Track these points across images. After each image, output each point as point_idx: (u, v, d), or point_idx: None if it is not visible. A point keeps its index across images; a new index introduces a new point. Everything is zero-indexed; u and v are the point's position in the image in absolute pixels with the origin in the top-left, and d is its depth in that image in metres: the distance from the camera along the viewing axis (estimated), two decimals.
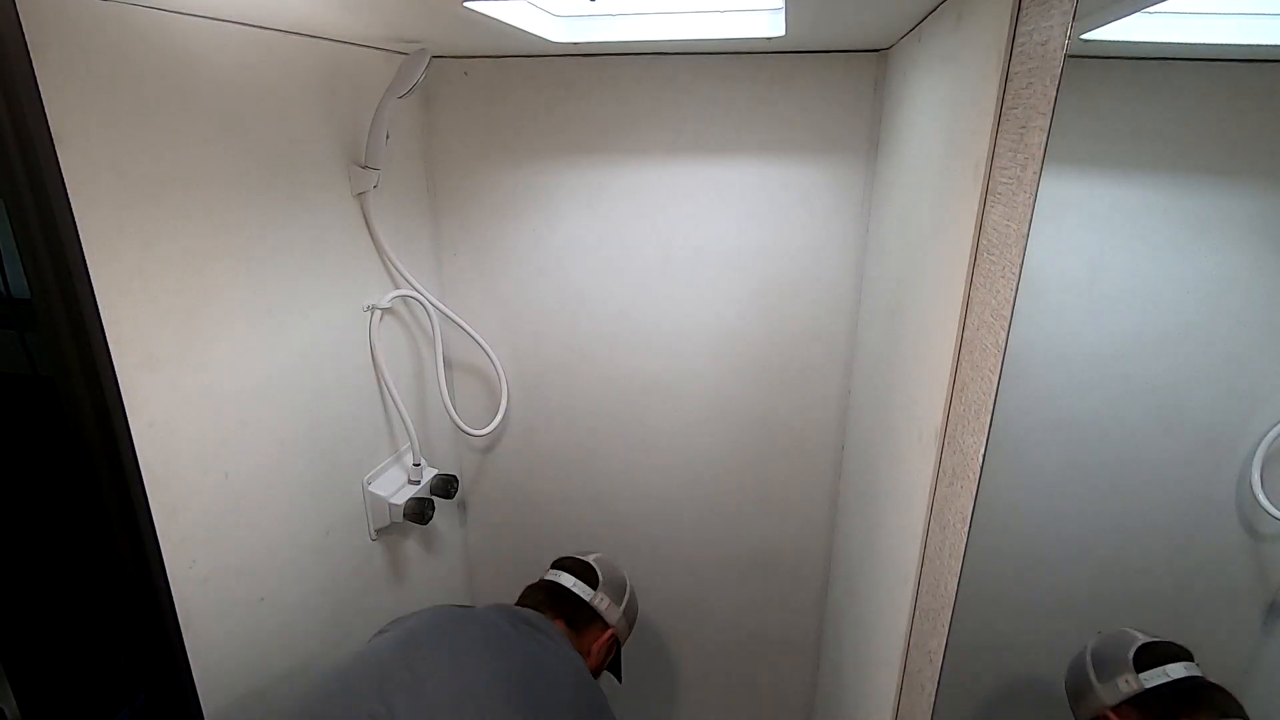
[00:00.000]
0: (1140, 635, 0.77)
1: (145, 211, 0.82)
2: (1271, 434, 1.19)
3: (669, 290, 1.41)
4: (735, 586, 1.64)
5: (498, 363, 1.50)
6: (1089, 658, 0.84)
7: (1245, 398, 1.19)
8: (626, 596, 1.22)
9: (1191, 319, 1.18)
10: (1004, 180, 0.59)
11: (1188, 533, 1.27)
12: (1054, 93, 0.49)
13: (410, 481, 1.37)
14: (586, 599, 1.16)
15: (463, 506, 1.72)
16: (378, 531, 1.32)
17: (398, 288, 1.33)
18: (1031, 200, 0.52)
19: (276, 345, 1.04)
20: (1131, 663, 0.70)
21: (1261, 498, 1.21)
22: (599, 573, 1.21)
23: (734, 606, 1.67)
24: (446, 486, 1.42)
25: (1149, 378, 1.20)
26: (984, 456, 0.61)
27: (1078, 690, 0.82)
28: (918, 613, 0.79)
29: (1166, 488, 1.25)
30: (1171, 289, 1.17)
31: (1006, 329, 0.56)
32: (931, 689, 0.70)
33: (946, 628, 0.67)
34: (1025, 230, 0.54)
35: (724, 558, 1.62)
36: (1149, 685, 0.68)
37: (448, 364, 1.56)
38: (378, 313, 1.26)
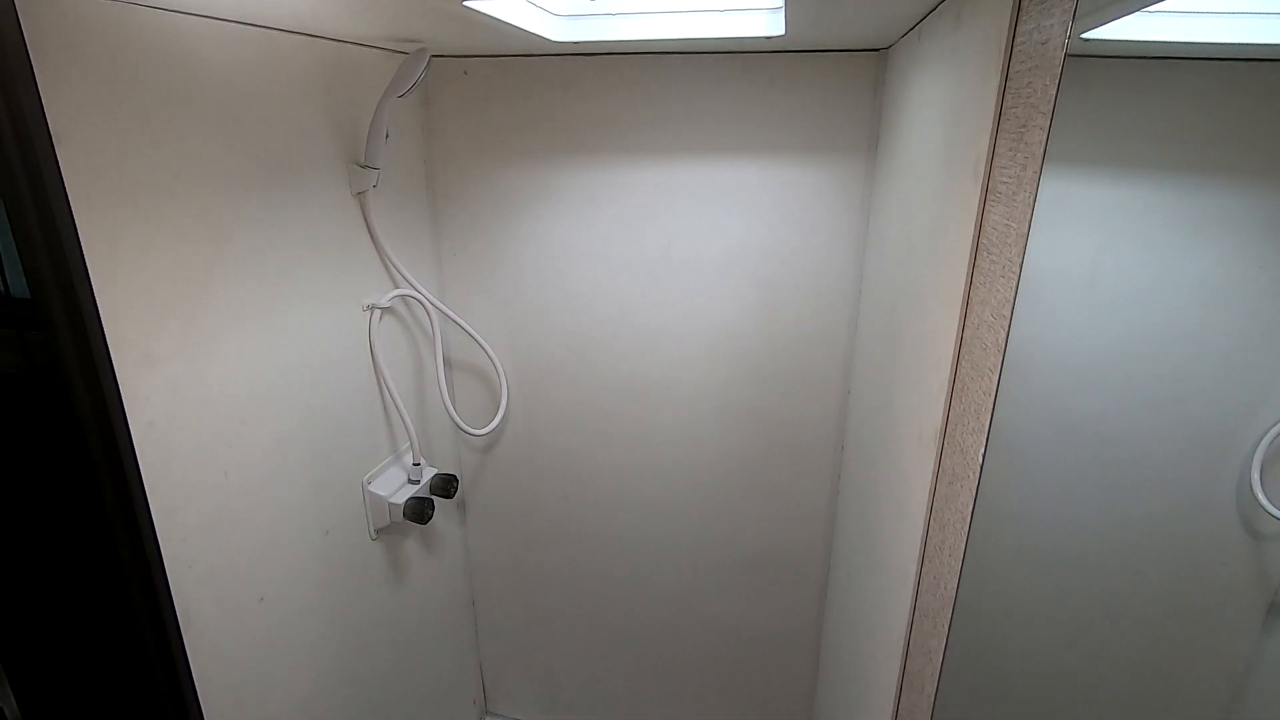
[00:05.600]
0: None
1: (145, 211, 0.82)
2: (1271, 433, 1.19)
3: (669, 290, 1.41)
4: (735, 586, 1.64)
5: (497, 362, 1.50)
6: None
7: (1245, 397, 1.19)
8: None
9: (1191, 318, 1.18)
10: (1004, 180, 0.59)
11: (1187, 532, 1.27)
12: (1054, 92, 0.49)
13: (410, 481, 1.37)
14: None
15: (462, 506, 1.72)
16: (377, 531, 1.32)
17: (397, 287, 1.33)
18: (1031, 199, 0.52)
19: (275, 344, 1.04)
20: None
21: (1261, 497, 1.21)
22: None
23: (734, 606, 1.67)
24: (446, 486, 1.42)
25: (1149, 377, 1.20)
26: (984, 456, 0.61)
27: None
28: (917, 612, 0.79)
29: (1166, 487, 1.25)
30: (1171, 288, 1.17)
31: (1006, 328, 0.56)
32: (931, 689, 0.70)
33: (946, 627, 0.67)
34: (1025, 229, 0.54)
35: (724, 557, 1.62)
36: None
37: (447, 363, 1.56)
38: (377, 312, 1.26)
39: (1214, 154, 1.10)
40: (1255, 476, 1.20)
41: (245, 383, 0.99)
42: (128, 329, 0.80)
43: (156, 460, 0.84)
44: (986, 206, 0.62)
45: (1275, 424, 1.19)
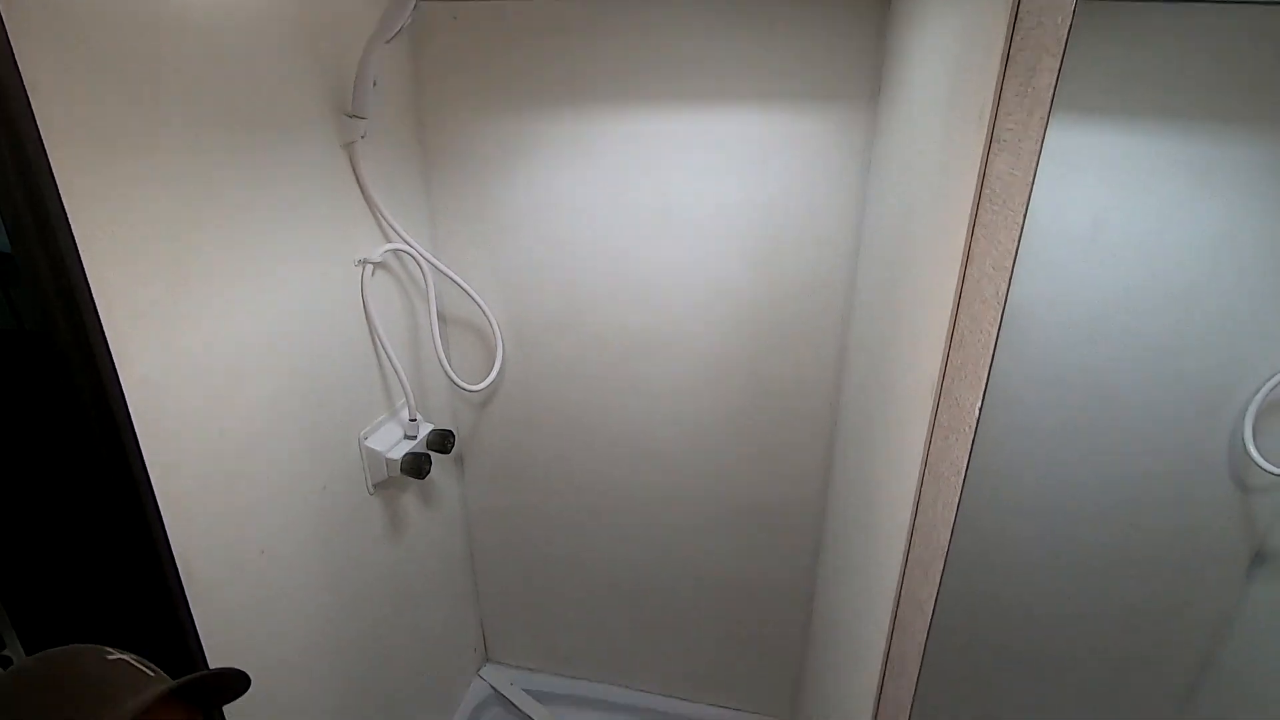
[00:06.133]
0: None
1: (126, 162, 0.79)
2: (1266, 388, 1.19)
3: (666, 243, 1.39)
4: (731, 538, 1.67)
5: (492, 318, 1.49)
6: None
7: (1241, 351, 1.19)
8: None
9: (1192, 273, 1.17)
10: (1009, 126, 0.57)
11: (1180, 485, 1.28)
12: (1065, 33, 0.47)
13: (406, 437, 1.37)
14: None
15: (460, 461, 1.73)
16: (375, 486, 1.33)
17: (389, 241, 1.31)
18: (1037, 147, 0.51)
19: (266, 300, 1.03)
20: None
21: (1253, 451, 1.22)
22: None
23: (729, 558, 1.70)
24: (443, 441, 1.43)
25: (1147, 331, 1.20)
26: (980, 410, 0.61)
27: None
28: (909, 563, 0.80)
29: (1160, 441, 1.26)
30: (1173, 241, 1.15)
31: (1008, 281, 0.55)
32: (922, 638, 0.72)
33: (939, 578, 0.68)
34: (1030, 178, 0.52)
35: (720, 510, 1.64)
36: None
37: (442, 319, 1.55)
38: (369, 267, 1.24)
39: (1225, 101, 1.07)
40: (1248, 430, 1.21)
41: (237, 338, 0.98)
42: (114, 284, 0.79)
43: (150, 416, 0.83)
44: (991, 154, 0.61)
45: (1270, 378, 1.19)
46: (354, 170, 1.20)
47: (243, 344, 0.99)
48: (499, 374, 1.53)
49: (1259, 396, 1.20)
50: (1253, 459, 1.22)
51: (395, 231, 1.30)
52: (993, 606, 1.46)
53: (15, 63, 0.67)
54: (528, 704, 1.86)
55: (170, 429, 0.87)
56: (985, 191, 0.62)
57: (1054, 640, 1.46)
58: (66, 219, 0.73)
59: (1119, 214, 1.16)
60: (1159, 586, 1.36)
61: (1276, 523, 1.29)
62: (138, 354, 0.82)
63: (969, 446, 0.62)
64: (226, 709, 1.00)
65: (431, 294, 1.41)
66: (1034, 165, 0.52)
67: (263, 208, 1.01)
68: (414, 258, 1.35)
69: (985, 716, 1.57)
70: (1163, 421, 1.25)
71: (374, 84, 1.14)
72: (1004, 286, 0.56)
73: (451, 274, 1.43)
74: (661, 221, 1.38)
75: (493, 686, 1.91)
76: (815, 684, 1.54)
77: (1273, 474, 1.22)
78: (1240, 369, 1.20)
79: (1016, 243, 0.55)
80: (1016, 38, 0.57)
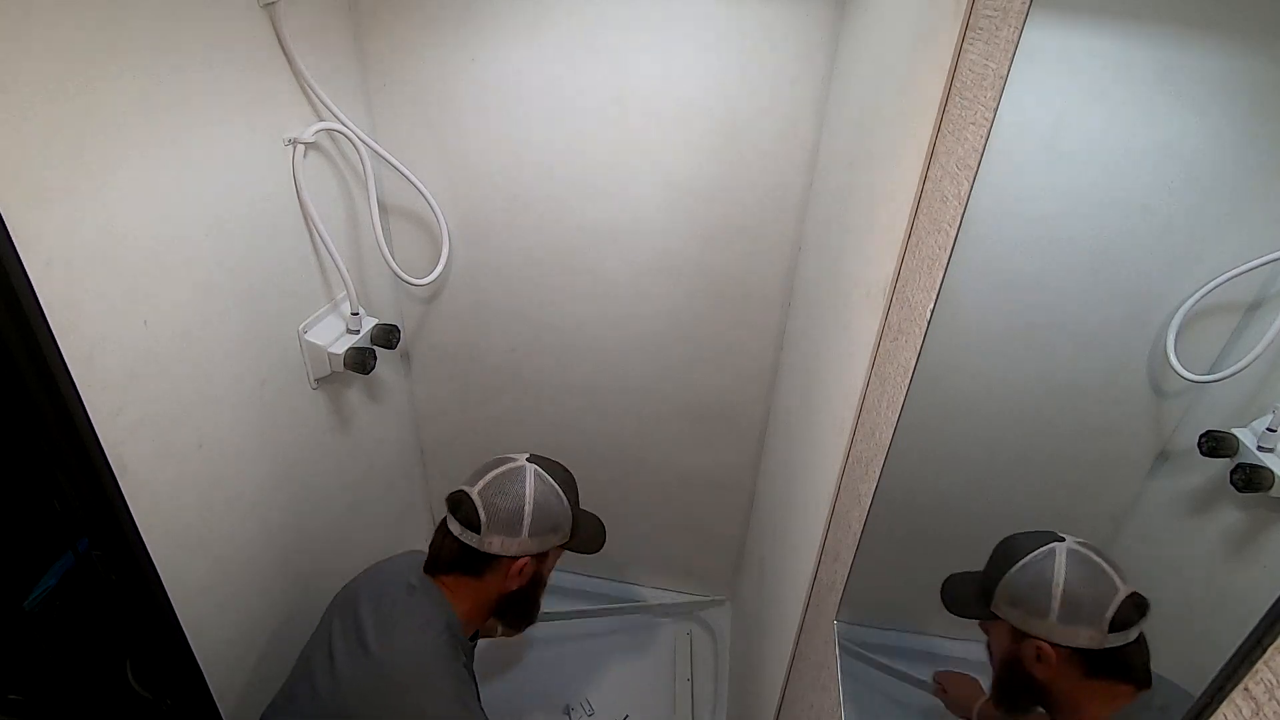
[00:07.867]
0: (1118, 582, 0.72)
1: (10, 13, 0.69)
2: (1194, 298, 1.24)
3: (620, 133, 1.33)
4: (678, 432, 1.71)
5: (437, 208, 1.42)
6: (1060, 589, 0.79)
7: (1177, 262, 1.22)
8: (526, 520, 1.08)
9: (1141, 181, 1.17)
10: (988, 12, 0.54)
11: (1101, 388, 1.35)
12: None
13: (349, 331, 1.32)
14: (475, 546, 1.06)
15: (406, 357, 1.69)
16: (318, 381, 1.29)
17: (321, 120, 1.20)
18: (1016, 34, 0.48)
19: (185, 179, 0.94)
20: (1108, 623, 0.69)
21: (1173, 358, 1.28)
22: (481, 513, 1.06)
23: (676, 451, 1.74)
24: (388, 336, 1.39)
25: (1092, 240, 1.21)
26: (932, 313, 0.61)
27: (1027, 607, 0.80)
28: (851, 459, 0.83)
29: (1091, 348, 1.31)
30: (1127, 149, 1.15)
31: (971, 179, 0.54)
32: (858, 528, 0.75)
33: (878, 473, 0.70)
34: (1005, 71, 0.50)
35: (668, 406, 1.67)
36: (1109, 645, 0.69)
37: (383, 208, 1.46)
38: (300, 147, 1.15)
39: (1189, 4, 1.05)
40: (1171, 339, 1.26)
41: (153, 219, 0.90)
42: (7, 156, 0.70)
43: (61, 303, 0.77)
44: (965, 43, 0.58)
45: (1199, 288, 1.24)
46: (278, 35, 1.08)
47: (160, 225, 0.91)
48: (445, 267, 1.47)
49: (1185, 306, 1.25)
50: (1171, 365, 1.28)
51: (328, 109, 1.20)
52: (918, 497, 1.54)
53: None
54: None
55: (85, 316, 0.81)
56: (955, 84, 0.60)
57: (971, 523, 1.56)
58: None
59: (1080, 119, 1.14)
60: (1071, 479, 1.46)
61: (1182, 424, 1.38)
62: (41, 235, 0.75)
63: (918, 349, 0.63)
64: (184, 625, 1.01)
65: (370, 181, 1.32)
66: (1011, 55, 0.49)
67: (174, 75, 0.90)
68: (349, 139, 1.25)
69: (905, 595, 1.70)
70: (1096, 329, 1.30)
71: None
72: (967, 187, 0.55)
73: (392, 159, 1.34)
74: (617, 110, 1.30)
75: None
76: (753, 568, 1.63)
77: (1187, 379, 1.29)
78: (1173, 278, 1.24)
79: (984, 140, 0.53)
80: None
